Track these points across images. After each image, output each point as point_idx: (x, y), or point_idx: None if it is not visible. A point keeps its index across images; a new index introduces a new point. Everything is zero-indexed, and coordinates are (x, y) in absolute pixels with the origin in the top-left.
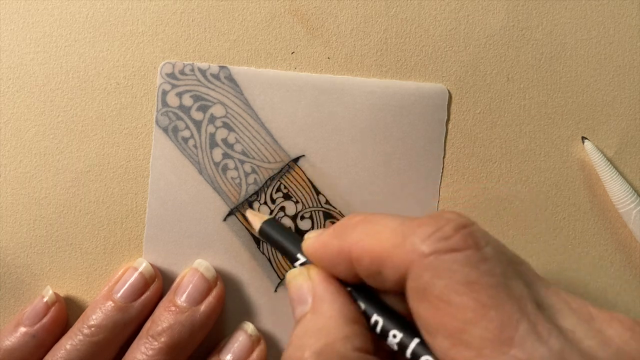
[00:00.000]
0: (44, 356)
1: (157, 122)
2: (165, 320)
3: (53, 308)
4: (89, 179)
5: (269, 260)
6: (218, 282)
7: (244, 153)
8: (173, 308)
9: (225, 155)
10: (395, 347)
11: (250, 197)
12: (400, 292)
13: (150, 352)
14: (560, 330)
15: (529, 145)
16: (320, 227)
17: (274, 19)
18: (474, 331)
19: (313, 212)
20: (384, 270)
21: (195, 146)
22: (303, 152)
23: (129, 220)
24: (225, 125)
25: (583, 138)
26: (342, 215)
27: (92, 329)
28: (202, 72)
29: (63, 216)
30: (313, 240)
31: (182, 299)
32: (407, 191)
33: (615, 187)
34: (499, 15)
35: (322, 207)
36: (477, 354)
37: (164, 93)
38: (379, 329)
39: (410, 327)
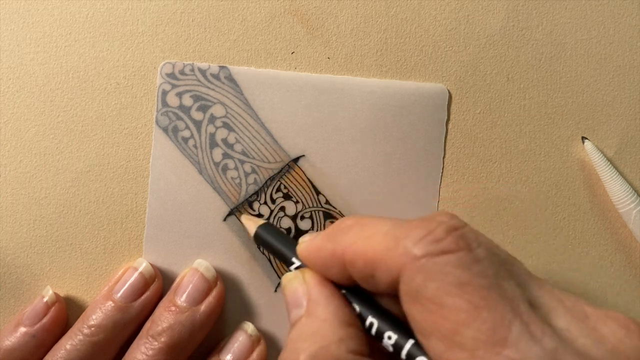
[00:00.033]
0: (44, 356)
1: (157, 122)
2: (165, 320)
3: (53, 308)
4: (89, 179)
5: (269, 260)
6: (218, 282)
7: (244, 153)
8: (173, 308)
9: (225, 155)
10: (391, 349)
11: (250, 197)
12: (393, 294)
13: (150, 352)
14: (554, 329)
15: (529, 145)
16: (321, 227)
17: (274, 19)
18: (467, 332)
19: (313, 212)
20: (376, 273)
21: (195, 146)
22: (303, 152)
23: (129, 220)
24: (225, 125)
25: (583, 138)
26: (342, 215)
27: (92, 329)
28: (202, 72)
29: (63, 216)
30: (307, 244)
31: (182, 299)
32: (407, 191)
33: (615, 187)
34: (499, 15)
35: (322, 207)
36: (470, 355)
37: (164, 93)
38: (374, 330)
39: (405, 329)
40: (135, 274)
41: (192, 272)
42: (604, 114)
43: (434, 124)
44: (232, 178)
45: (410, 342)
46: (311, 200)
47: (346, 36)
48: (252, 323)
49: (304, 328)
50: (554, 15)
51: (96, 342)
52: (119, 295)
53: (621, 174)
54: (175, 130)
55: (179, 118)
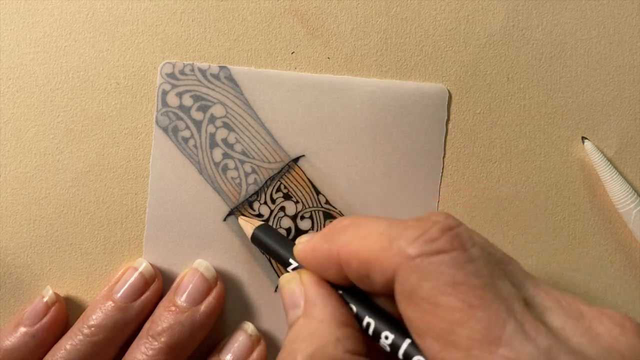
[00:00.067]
0: (44, 356)
1: (157, 122)
2: (165, 320)
3: (53, 308)
4: (89, 179)
5: (269, 260)
6: (218, 282)
7: (244, 153)
8: (173, 308)
9: (226, 155)
10: (388, 349)
11: (250, 197)
12: (389, 294)
13: (150, 352)
14: (549, 328)
15: (529, 145)
16: (321, 227)
17: (274, 19)
18: (462, 332)
19: (313, 212)
20: (372, 273)
21: (195, 146)
22: (303, 152)
23: (129, 220)
24: (225, 125)
25: (583, 138)
26: (342, 215)
27: (92, 329)
28: (202, 72)
29: (63, 216)
30: (304, 245)
31: (182, 299)
32: (407, 191)
33: (615, 187)
34: (499, 15)
35: (322, 207)
36: (465, 355)
37: (164, 93)
38: (371, 330)
39: (402, 328)
40: (135, 274)
41: (192, 272)
42: (604, 114)
43: (434, 124)
44: (232, 178)
45: (407, 341)
46: (311, 200)
47: (346, 36)
48: (252, 323)
49: (301, 329)
50: (554, 15)
51: (96, 342)
52: (119, 295)
53: (621, 174)
54: (176, 130)
55: (179, 118)
